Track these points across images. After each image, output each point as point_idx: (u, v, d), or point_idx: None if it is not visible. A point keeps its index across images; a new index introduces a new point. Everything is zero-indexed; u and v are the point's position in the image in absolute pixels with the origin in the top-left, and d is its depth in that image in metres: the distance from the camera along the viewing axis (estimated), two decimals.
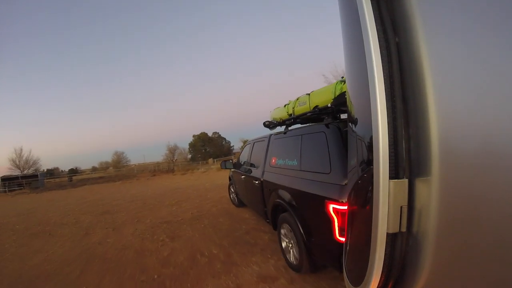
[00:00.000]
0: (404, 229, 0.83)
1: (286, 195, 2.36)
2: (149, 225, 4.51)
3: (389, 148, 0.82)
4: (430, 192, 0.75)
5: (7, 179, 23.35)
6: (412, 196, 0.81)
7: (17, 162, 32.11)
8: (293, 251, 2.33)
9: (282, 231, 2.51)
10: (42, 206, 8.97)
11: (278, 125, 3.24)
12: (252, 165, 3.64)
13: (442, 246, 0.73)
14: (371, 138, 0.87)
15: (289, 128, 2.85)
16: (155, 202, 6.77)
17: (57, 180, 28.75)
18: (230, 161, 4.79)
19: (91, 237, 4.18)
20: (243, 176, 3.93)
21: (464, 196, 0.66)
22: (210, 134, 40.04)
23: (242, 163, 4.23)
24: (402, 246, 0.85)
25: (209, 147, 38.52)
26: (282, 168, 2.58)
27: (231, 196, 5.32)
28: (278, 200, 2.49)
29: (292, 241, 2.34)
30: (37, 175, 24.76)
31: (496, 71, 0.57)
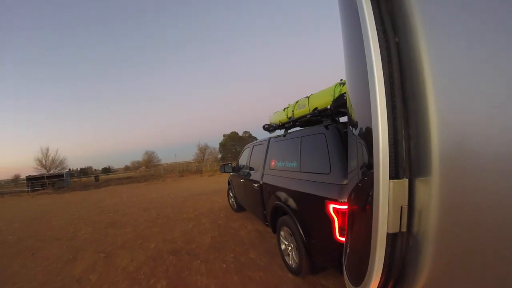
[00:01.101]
0: (404, 229, 0.83)
1: (286, 197, 2.36)
2: (151, 254, 3.26)
3: (389, 148, 0.82)
4: (430, 192, 0.75)
5: (32, 179, 23.31)
6: (412, 196, 0.81)
7: (43, 162, 32.30)
8: (292, 253, 2.33)
9: (282, 234, 2.51)
10: (53, 210, 8.36)
11: (278, 128, 3.27)
12: (251, 168, 3.64)
13: (442, 246, 0.73)
14: (371, 138, 0.87)
15: (289, 131, 2.86)
16: (171, 214, 5.64)
17: (83, 179, 28.50)
18: (230, 164, 4.78)
19: (74, 267, 3.12)
20: (242, 180, 3.92)
21: (464, 196, 0.66)
22: (240, 133, 40.12)
23: (241, 166, 4.23)
24: (402, 246, 0.85)
25: (239, 147, 38.59)
26: (281, 170, 2.59)
27: (230, 200, 5.28)
28: (277, 202, 2.49)
29: (291, 244, 2.33)
30: (63, 174, 24.59)
31: (496, 71, 0.57)
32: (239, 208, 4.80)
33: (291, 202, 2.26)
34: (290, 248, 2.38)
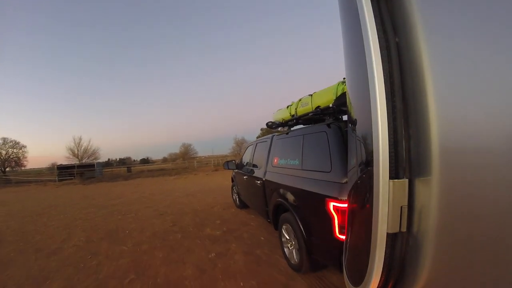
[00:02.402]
0: (404, 229, 0.83)
1: (288, 194, 2.38)
2: None
3: (389, 148, 0.82)
4: (430, 192, 0.75)
5: (62, 168, 22.97)
6: (412, 196, 0.81)
7: (76, 151, 31.56)
8: (293, 250, 2.34)
9: (283, 231, 2.52)
10: (65, 204, 7.66)
11: (281, 126, 3.29)
12: (254, 165, 3.66)
13: (442, 246, 0.73)
14: (371, 138, 0.87)
15: (292, 129, 2.87)
16: (191, 226, 4.06)
17: (115, 170, 27.78)
18: (233, 161, 4.77)
19: None
20: (245, 177, 3.94)
21: (464, 196, 0.66)
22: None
23: (244, 164, 4.24)
24: (402, 246, 0.85)
25: None
26: (284, 168, 2.60)
27: (233, 197, 5.32)
28: (279, 199, 2.51)
29: (292, 241, 2.35)
30: (93, 164, 23.99)
31: (496, 71, 0.57)
32: (242, 205, 4.83)
33: (293, 200, 2.28)
34: (291, 245, 2.40)
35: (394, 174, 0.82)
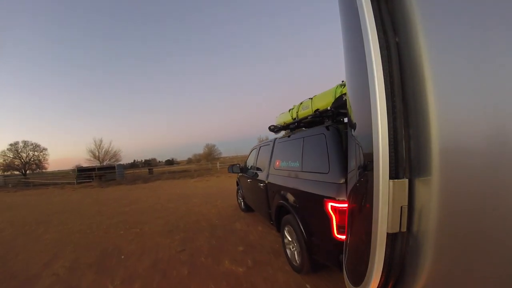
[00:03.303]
0: (404, 229, 0.83)
1: (289, 196, 2.41)
2: None
3: (389, 148, 0.82)
4: (430, 192, 0.75)
5: (82, 170, 22.52)
6: (412, 196, 0.81)
7: (96, 154, 31.53)
8: (295, 252, 2.36)
9: (286, 233, 2.56)
10: (70, 212, 6.92)
11: (283, 129, 3.35)
12: (258, 168, 3.71)
13: (442, 246, 0.73)
14: (371, 138, 0.87)
15: (293, 132, 2.93)
16: (205, 249, 3.23)
17: (137, 171, 27.30)
18: (238, 165, 4.80)
19: None
20: (249, 180, 4.00)
21: (464, 196, 0.66)
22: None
23: (249, 167, 4.30)
24: (402, 246, 0.85)
25: None
26: (285, 170, 2.65)
27: (238, 200, 5.37)
28: (281, 201, 2.55)
29: (294, 243, 2.37)
30: (114, 166, 23.41)
31: (496, 70, 0.57)
32: (247, 208, 4.86)
33: (293, 201, 2.31)
34: (293, 246, 2.42)
35: (394, 174, 0.82)
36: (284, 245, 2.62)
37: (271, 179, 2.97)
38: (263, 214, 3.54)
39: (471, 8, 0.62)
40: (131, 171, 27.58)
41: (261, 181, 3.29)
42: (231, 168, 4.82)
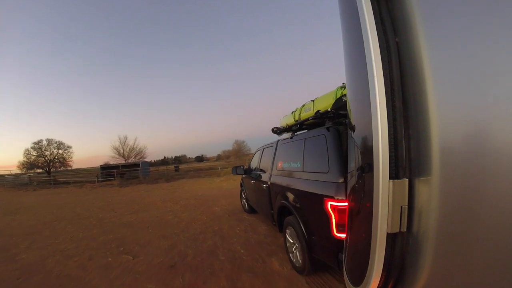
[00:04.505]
0: (404, 229, 0.83)
1: (290, 196, 2.45)
2: None
3: (389, 148, 0.82)
4: (430, 192, 0.75)
5: (106, 168, 22.22)
6: (412, 196, 0.81)
7: (121, 151, 30.15)
8: (297, 253, 2.39)
9: (287, 234, 2.59)
10: (72, 218, 6.22)
11: (285, 131, 3.39)
12: (261, 170, 3.75)
13: (442, 246, 0.73)
14: (371, 138, 0.87)
15: (295, 134, 2.96)
16: None
17: (162, 168, 26.29)
18: (241, 167, 4.81)
19: None
20: (253, 181, 4.03)
21: (464, 196, 0.66)
22: None
23: (252, 168, 4.32)
24: (402, 246, 0.85)
25: None
26: (287, 171, 2.69)
27: (242, 202, 5.39)
28: (283, 201, 2.58)
29: (296, 244, 2.40)
30: (138, 164, 22.86)
31: (496, 70, 0.57)
32: (251, 210, 4.87)
33: (294, 201, 2.35)
34: (294, 247, 2.45)
35: (394, 174, 0.82)
36: (286, 246, 2.65)
37: (274, 180, 3.00)
38: (265, 215, 3.57)
39: (471, 8, 0.62)
40: (156, 169, 26.69)
41: (264, 182, 3.33)
42: (235, 169, 4.79)
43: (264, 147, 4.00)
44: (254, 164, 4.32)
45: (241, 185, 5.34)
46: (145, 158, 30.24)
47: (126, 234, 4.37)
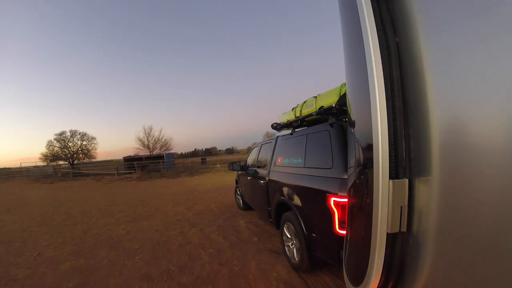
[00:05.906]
0: (404, 229, 0.83)
1: (290, 192, 2.43)
2: None
3: (389, 148, 0.82)
4: (430, 192, 0.75)
5: (129, 160, 21.56)
6: (412, 196, 0.81)
7: (145, 142, 29.44)
8: (294, 249, 2.37)
9: (285, 229, 2.56)
10: (66, 221, 5.36)
11: (285, 127, 3.38)
12: (259, 166, 3.73)
13: (442, 246, 0.73)
14: (371, 138, 0.87)
15: (296, 130, 2.95)
16: None
17: (188, 161, 25.22)
18: (238, 163, 4.80)
19: None
20: (249, 178, 4.01)
21: (464, 196, 0.66)
22: None
23: (249, 165, 4.31)
24: (402, 246, 0.85)
25: None
26: (287, 167, 2.66)
27: (237, 198, 5.38)
28: (282, 197, 2.56)
29: (294, 240, 2.38)
30: (163, 156, 21.89)
31: (496, 70, 0.57)
32: (246, 207, 4.85)
33: (295, 197, 2.32)
34: (292, 244, 2.43)
35: (394, 174, 0.82)
36: (283, 243, 2.62)
37: (272, 176, 2.98)
38: (262, 212, 3.55)
39: (471, 8, 0.62)
40: (182, 161, 25.56)
41: (262, 178, 3.31)
42: (231, 165, 4.78)
43: (262, 143, 3.98)
44: (251, 160, 4.29)
45: (236, 182, 5.33)
46: (170, 149, 28.95)
47: (99, 264, 2.90)
